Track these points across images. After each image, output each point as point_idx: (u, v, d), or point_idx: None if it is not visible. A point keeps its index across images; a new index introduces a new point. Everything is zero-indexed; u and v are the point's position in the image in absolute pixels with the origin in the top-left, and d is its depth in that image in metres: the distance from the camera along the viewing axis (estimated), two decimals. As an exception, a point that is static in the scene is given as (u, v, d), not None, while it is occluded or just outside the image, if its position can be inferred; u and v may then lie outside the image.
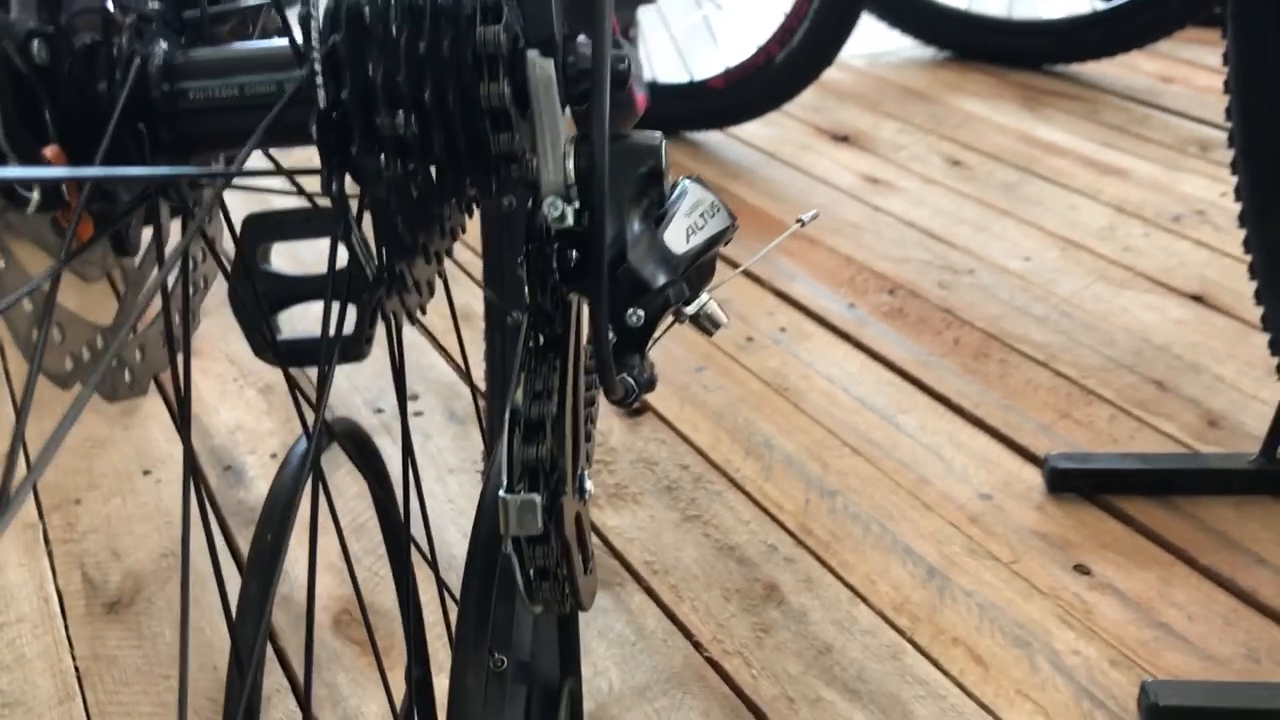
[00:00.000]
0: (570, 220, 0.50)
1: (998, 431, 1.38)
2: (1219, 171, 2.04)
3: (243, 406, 1.45)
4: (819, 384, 1.48)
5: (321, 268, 0.72)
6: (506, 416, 0.51)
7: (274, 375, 1.49)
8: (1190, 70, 2.57)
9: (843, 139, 2.27)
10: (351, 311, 0.71)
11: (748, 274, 1.74)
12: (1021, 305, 1.65)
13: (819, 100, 2.43)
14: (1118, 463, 1.29)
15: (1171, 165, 2.12)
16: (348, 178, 0.49)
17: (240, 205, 0.71)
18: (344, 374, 1.51)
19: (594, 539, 1.23)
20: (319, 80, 0.44)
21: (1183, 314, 1.63)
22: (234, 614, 0.55)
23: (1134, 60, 2.56)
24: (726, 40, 2.29)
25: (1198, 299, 1.67)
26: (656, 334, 0.54)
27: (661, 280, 0.51)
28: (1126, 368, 1.50)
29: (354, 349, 0.74)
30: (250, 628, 0.52)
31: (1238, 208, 1.26)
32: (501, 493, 0.50)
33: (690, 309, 0.54)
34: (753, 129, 2.27)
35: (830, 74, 2.24)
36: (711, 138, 2.26)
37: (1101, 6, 2.55)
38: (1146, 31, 2.43)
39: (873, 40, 2.65)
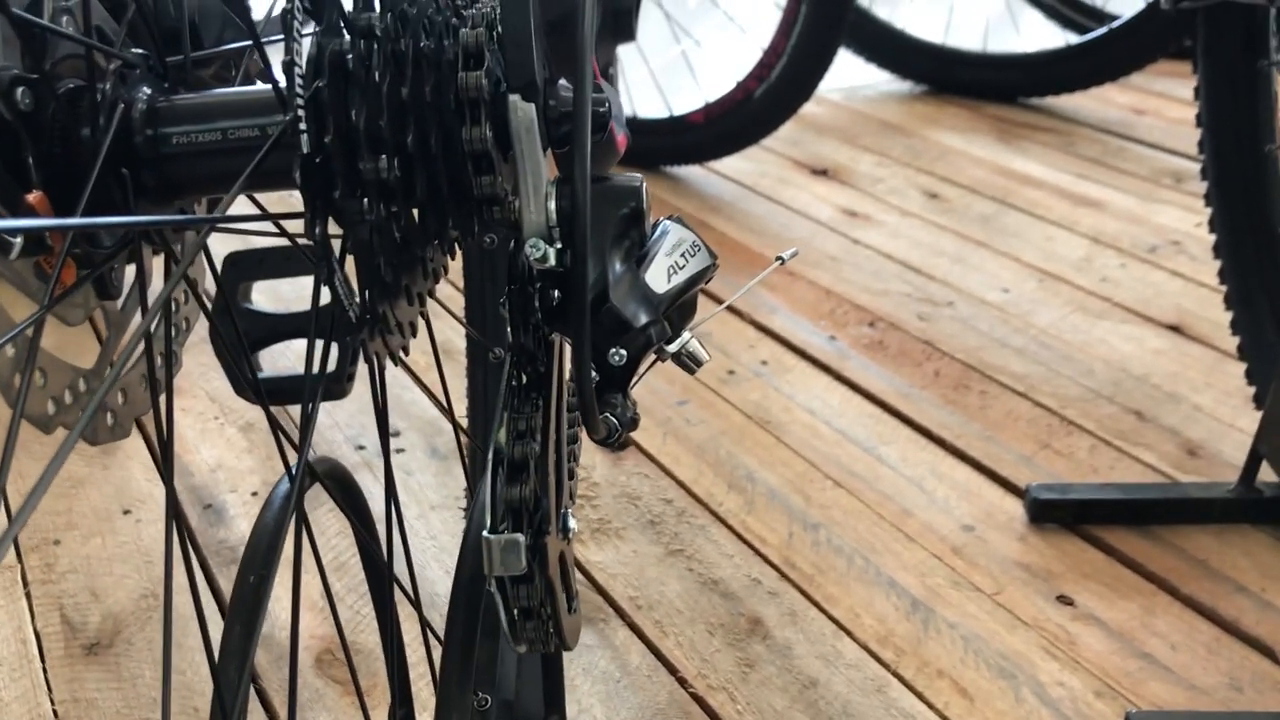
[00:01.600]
0: (552, 261, 0.50)
1: (979, 463, 1.39)
2: (1193, 202, 2.07)
3: (223, 445, 1.44)
4: (801, 417, 1.49)
5: (302, 305, 0.72)
6: (489, 456, 0.52)
7: (255, 413, 1.48)
8: (1162, 102, 2.60)
9: (821, 173, 2.28)
10: (334, 350, 0.71)
11: (729, 308, 1.75)
12: (1001, 337, 1.67)
13: (797, 134, 2.44)
14: (1098, 493, 1.30)
15: (1146, 196, 2.14)
16: (331, 220, 0.50)
17: (221, 244, 0.71)
18: (325, 411, 1.50)
19: (577, 575, 1.23)
20: (302, 125, 0.45)
21: (1160, 344, 1.64)
22: (216, 657, 0.55)
23: (1107, 93, 2.59)
24: (706, 76, 2.31)
25: (1175, 329, 1.68)
26: (639, 372, 0.54)
27: (643, 320, 0.52)
28: (1106, 398, 1.51)
29: (336, 387, 0.75)
30: (234, 670, 0.52)
31: (1212, 238, 1.28)
32: (485, 533, 0.51)
33: (672, 347, 0.55)
34: (732, 163, 2.28)
35: (808, 108, 2.26)
36: (691, 172, 2.27)
37: (1075, 40, 2.59)
38: (1119, 65, 2.46)
39: (849, 74, 2.68)
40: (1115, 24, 2.43)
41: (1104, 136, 2.43)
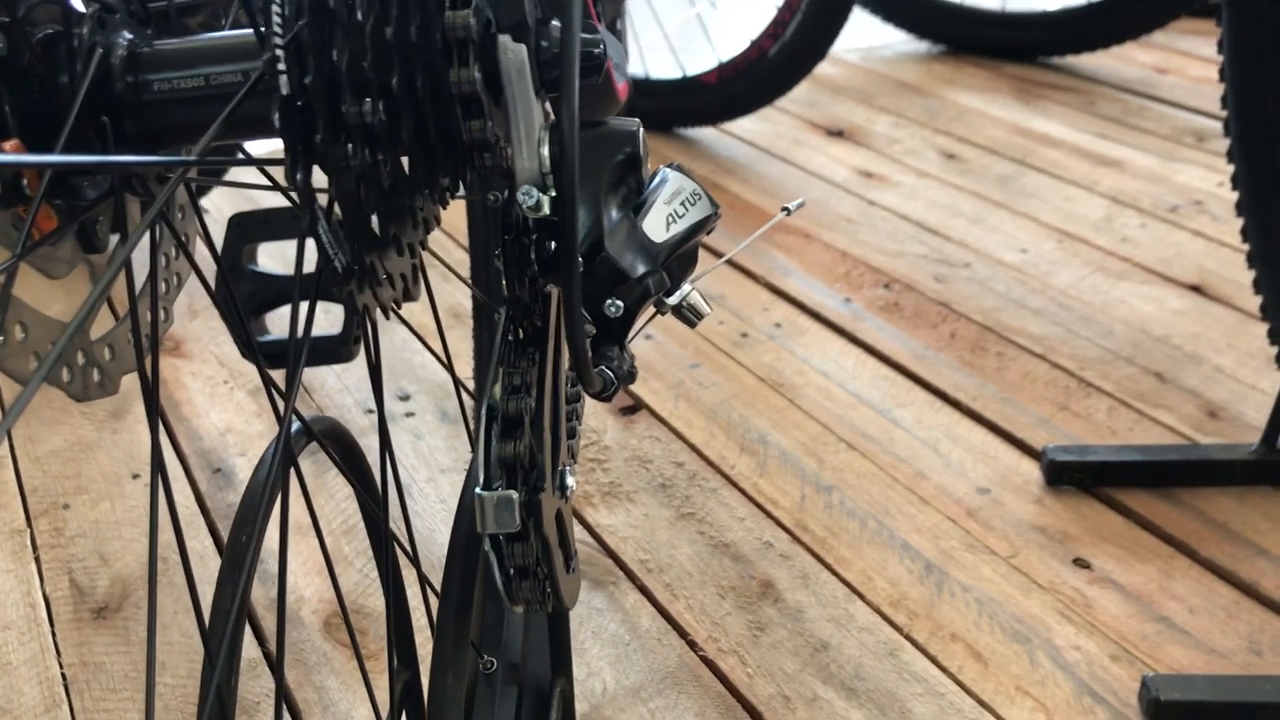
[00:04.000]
0: (546, 209, 0.48)
1: (995, 425, 1.37)
2: (1215, 161, 2.03)
3: (233, 408, 1.43)
4: (814, 379, 1.47)
5: (311, 267, 0.71)
6: (483, 412, 0.50)
7: (265, 377, 1.47)
8: (1185, 61, 2.55)
9: (837, 134, 2.25)
10: (340, 312, 0.70)
11: (743, 269, 1.73)
12: (1018, 298, 1.64)
13: (813, 95, 2.41)
14: (1117, 455, 1.28)
15: (1168, 156, 2.10)
16: (317, 168, 0.48)
17: (230, 206, 0.69)
18: (336, 374, 1.49)
19: (589, 538, 1.22)
20: (281, 67, 0.43)
21: (1181, 304, 1.62)
22: (210, 616, 0.54)
23: (1129, 51, 2.55)
24: (720, 37, 2.28)
25: (1196, 289, 1.65)
26: (637, 325, 0.52)
27: (641, 270, 0.50)
28: (1125, 359, 1.49)
29: (344, 350, 0.73)
30: (223, 630, 0.51)
31: (1235, 197, 1.25)
32: (478, 489, 0.49)
33: (672, 299, 0.53)
34: (746, 124, 2.26)
35: (824, 68, 2.23)
36: (705, 134, 2.25)
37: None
38: (1141, 22, 2.42)
39: (867, 35, 2.64)
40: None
41: (1125, 95, 2.39)
